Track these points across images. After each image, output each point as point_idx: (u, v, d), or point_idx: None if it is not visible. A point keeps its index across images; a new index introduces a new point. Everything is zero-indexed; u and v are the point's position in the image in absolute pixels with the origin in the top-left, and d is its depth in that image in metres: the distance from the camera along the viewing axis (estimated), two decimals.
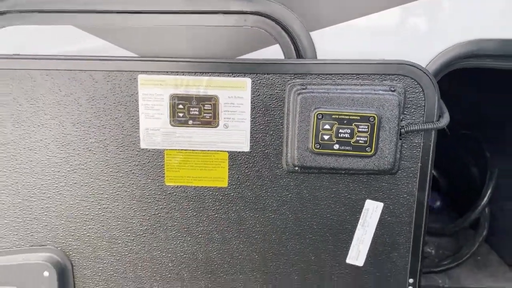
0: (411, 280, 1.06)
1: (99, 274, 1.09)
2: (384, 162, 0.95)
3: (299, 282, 1.08)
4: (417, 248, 1.04)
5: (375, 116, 0.92)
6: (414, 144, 0.99)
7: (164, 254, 1.07)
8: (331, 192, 1.02)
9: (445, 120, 0.98)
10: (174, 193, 1.04)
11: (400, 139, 0.96)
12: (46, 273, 1.05)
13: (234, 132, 1.00)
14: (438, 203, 2.27)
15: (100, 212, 1.06)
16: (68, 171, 1.04)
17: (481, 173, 1.96)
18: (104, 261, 1.09)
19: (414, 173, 1.00)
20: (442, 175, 2.37)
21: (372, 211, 1.02)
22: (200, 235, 1.06)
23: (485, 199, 1.89)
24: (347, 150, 0.94)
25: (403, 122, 0.96)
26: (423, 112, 0.97)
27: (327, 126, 0.93)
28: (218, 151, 1.01)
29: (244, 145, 1.00)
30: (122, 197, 1.05)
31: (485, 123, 2.07)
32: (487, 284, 1.72)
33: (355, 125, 0.93)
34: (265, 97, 0.97)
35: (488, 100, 2.04)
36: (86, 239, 1.07)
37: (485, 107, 2.09)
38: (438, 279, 1.75)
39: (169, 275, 1.09)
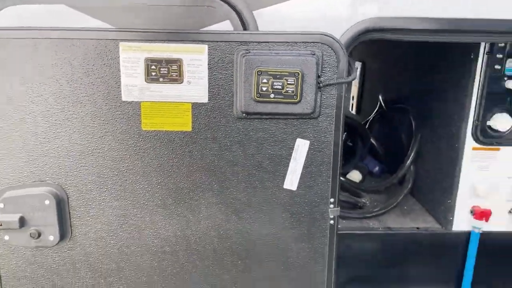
0: (332, 200, 1.40)
1: (90, 203, 1.37)
2: (307, 107, 1.28)
3: (249, 203, 1.39)
4: (335, 174, 1.38)
5: (299, 72, 1.25)
6: (331, 95, 1.32)
7: (142, 186, 1.37)
8: (271, 133, 1.34)
9: (353, 76, 1.32)
10: (149, 136, 1.34)
11: (320, 91, 1.30)
12: (47, 202, 1.32)
13: (195, 87, 1.30)
14: (377, 168, 2.65)
15: (90, 153, 1.34)
16: (63, 119, 1.31)
17: (409, 139, 2.35)
18: (93, 193, 1.37)
19: (331, 117, 1.34)
20: (380, 145, 2.76)
21: (301, 147, 1.36)
22: (170, 170, 1.36)
23: (410, 159, 2.28)
24: (280, 98, 1.27)
25: (321, 78, 1.29)
26: (336, 71, 1.30)
27: (264, 80, 1.26)
28: (183, 102, 1.31)
29: (203, 97, 1.31)
30: (107, 140, 1.33)
31: (413, 97, 2.47)
32: (407, 225, 2.10)
33: (285, 79, 1.26)
34: (219, 59, 1.28)
35: (415, 78, 2.44)
36: (79, 175, 1.35)
37: (412, 83, 2.49)
38: (370, 223, 2.12)
39: (147, 202, 1.38)
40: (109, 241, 1.40)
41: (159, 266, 1.43)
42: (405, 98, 2.54)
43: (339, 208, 1.42)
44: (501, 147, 1.91)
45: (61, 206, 1.35)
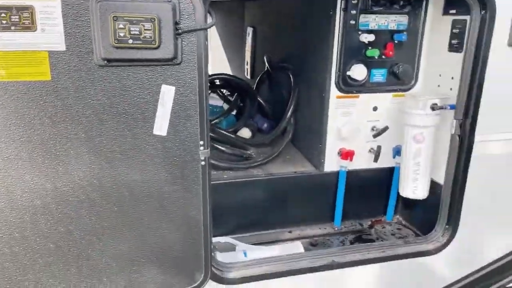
0: (201, 142, 1.49)
1: None
2: (167, 53, 1.35)
3: (119, 151, 1.43)
4: (203, 118, 1.47)
5: (155, 17, 1.30)
6: (191, 41, 1.40)
7: (4, 140, 1.33)
8: (136, 80, 1.38)
9: (210, 24, 1.41)
10: (6, 88, 1.29)
11: (179, 37, 1.36)
12: None
13: (50, 35, 1.28)
14: (265, 125, 2.83)
15: None
16: None
17: (289, 94, 2.54)
18: None
19: (193, 64, 1.42)
20: (268, 103, 2.94)
21: (167, 93, 1.42)
22: (32, 121, 1.33)
23: (290, 112, 2.48)
24: (139, 44, 1.31)
25: (180, 25, 1.36)
26: (194, 19, 1.38)
27: (121, 26, 1.29)
28: (39, 51, 1.29)
29: (60, 45, 1.30)
30: None
31: (292, 55, 2.65)
32: (287, 170, 2.30)
33: (142, 24, 1.30)
34: (73, 6, 1.28)
35: (293, 37, 2.60)
36: None
37: (291, 43, 2.67)
38: (254, 171, 2.28)
39: (11, 157, 1.34)
40: None
41: (31, 221, 1.41)
42: (286, 57, 2.73)
43: (209, 149, 1.52)
44: (360, 95, 2.18)
45: None
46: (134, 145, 1.44)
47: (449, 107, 1.92)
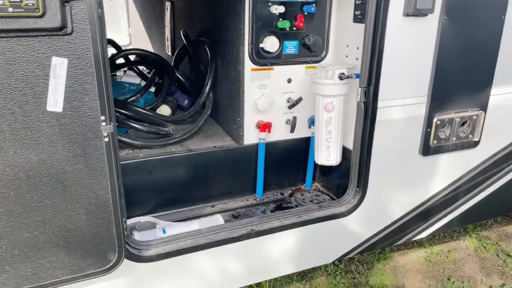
0: (103, 117, 1.43)
1: None
2: (54, 21, 1.25)
3: (11, 131, 1.32)
4: (102, 91, 1.40)
5: None
6: (82, 9, 1.31)
7: None
8: (22, 52, 1.27)
9: None
10: None
11: (67, 4, 1.27)
12: None
13: None
14: (186, 101, 2.78)
15: None
16: None
17: (207, 69, 2.51)
18: None
19: (86, 34, 1.33)
20: (187, 79, 2.88)
21: (59, 66, 1.33)
22: None
23: (208, 86, 2.45)
24: (20, 12, 1.20)
25: None
26: None
27: None
28: None
29: None
30: None
31: (208, 29, 2.60)
32: (207, 145, 2.29)
33: None
34: None
35: (208, 11, 2.54)
36: None
37: (207, 16, 2.61)
38: (173, 148, 2.24)
39: None
40: None
41: None
42: (202, 31, 2.68)
43: (112, 125, 1.46)
44: (273, 67, 2.21)
45: None
46: (26, 123, 1.34)
47: (355, 76, 2.02)
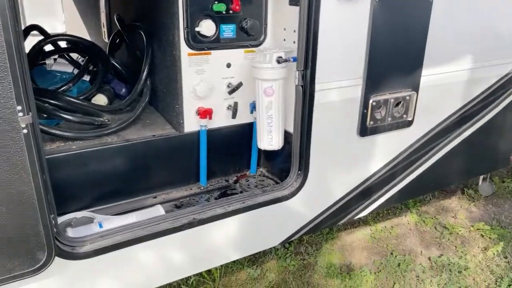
0: (19, 107, 1.32)
1: None
2: None
3: None
4: (17, 79, 1.29)
5: None
6: None
7: None
8: None
9: None
10: None
11: None
12: None
13: None
14: (123, 90, 2.67)
15: None
16: None
17: (143, 54, 2.40)
18: None
19: None
20: (124, 66, 2.76)
21: None
22: None
23: (145, 73, 2.36)
24: None
25: None
26: None
27: None
28: None
29: None
30: None
31: (142, 13, 2.49)
32: (146, 134, 2.21)
33: None
34: None
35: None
36: None
37: (141, 3, 2.49)
38: (109, 139, 2.14)
39: None
40: None
41: None
42: (138, 15, 2.57)
43: (30, 115, 1.35)
44: (211, 51, 2.15)
45: None
46: None
47: (292, 60, 2.02)
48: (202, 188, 2.35)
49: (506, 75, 2.53)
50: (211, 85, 2.18)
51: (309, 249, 2.92)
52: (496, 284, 2.54)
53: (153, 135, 2.19)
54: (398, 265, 2.73)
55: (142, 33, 2.40)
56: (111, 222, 1.85)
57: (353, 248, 2.96)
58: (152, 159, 2.19)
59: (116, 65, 2.68)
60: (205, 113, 2.20)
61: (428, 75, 2.23)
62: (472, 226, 3.12)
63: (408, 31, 2.08)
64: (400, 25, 2.05)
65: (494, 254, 2.79)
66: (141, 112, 2.30)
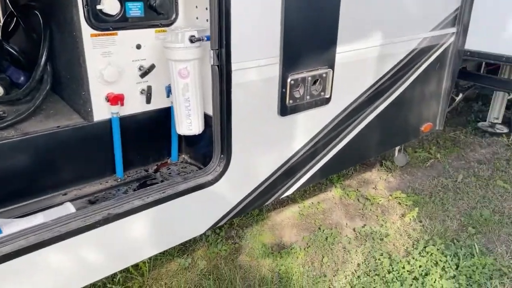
0: None
1: None
2: None
3: None
4: None
5: None
6: None
7: None
8: None
9: None
10: None
11: None
12: None
13: None
14: (22, 78, 2.38)
15: None
16: None
17: (41, 37, 2.14)
18: None
19: None
20: (22, 52, 2.46)
21: None
22: None
23: (44, 57, 2.11)
24: None
25: None
26: None
27: None
28: None
29: None
30: None
31: None
32: (49, 126, 2.00)
33: None
34: None
35: None
36: None
37: None
38: (4, 133, 1.90)
39: None
40: None
41: None
42: None
43: None
44: (118, 32, 1.98)
45: None
46: None
47: (205, 38, 1.92)
48: (119, 180, 2.19)
49: (413, 50, 2.67)
50: (120, 68, 2.01)
51: (240, 232, 2.90)
52: (413, 247, 2.72)
53: (58, 126, 1.98)
54: (326, 238, 2.82)
55: (38, 13, 2.14)
56: (13, 226, 1.64)
57: (283, 226, 3.00)
58: (59, 152, 1.99)
59: (12, 51, 2.38)
60: (115, 99, 2.03)
61: (342, 52, 2.27)
62: (391, 195, 3.32)
63: (321, 9, 2.08)
64: (312, 3, 2.04)
65: (410, 219, 3.00)
66: (41, 102, 2.07)
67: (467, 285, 2.40)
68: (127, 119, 2.13)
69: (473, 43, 2.88)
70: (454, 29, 2.88)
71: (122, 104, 2.06)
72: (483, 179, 3.53)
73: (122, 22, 1.97)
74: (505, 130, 4.40)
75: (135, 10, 1.99)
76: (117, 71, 2.00)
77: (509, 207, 3.14)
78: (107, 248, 1.81)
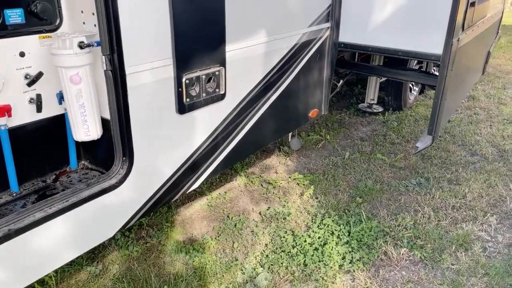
0: None
1: None
2: None
3: None
4: None
5: None
6: None
7: None
8: None
9: None
10: None
11: None
12: None
13: None
14: None
15: None
16: None
17: None
18: None
19: None
20: None
21: None
22: None
23: None
24: None
25: None
26: None
27: None
28: None
29: None
30: None
31: None
32: None
33: None
34: None
35: None
36: None
37: None
38: None
39: None
40: None
41: None
42: None
43: None
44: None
45: None
46: None
47: (95, 44, 1.93)
48: (14, 194, 2.09)
49: (295, 45, 2.96)
50: (3, 78, 1.91)
51: (151, 231, 2.94)
52: (312, 221, 3.04)
53: None
54: (235, 225, 3.00)
55: None
56: None
57: (193, 220, 3.10)
58: None
59: None
60: (1, 111, 1.93)
61: (232, 50, 2.44)
62: (290, 177, 3.63)
63: (207, 10, 2.21)
64: (198, 3, 2.15)
65: (308, 197, 3.33)
66: None
67: (358, 247, 2.78)
68: (17, 130, 2.03)
69: (345, 36, 3.28)
70: (328, 24, 3.24)
71: (9, 115, 1.96)
72: (366, 154, 4.05)
73: (2, 30, 1.87)
74: (380, 109, 5.07)
75: (15, 17, 1.90)
76: (0, 81, 1.90)
77: (387, 176, 3.67)
78: (11, 266, 1.74)
